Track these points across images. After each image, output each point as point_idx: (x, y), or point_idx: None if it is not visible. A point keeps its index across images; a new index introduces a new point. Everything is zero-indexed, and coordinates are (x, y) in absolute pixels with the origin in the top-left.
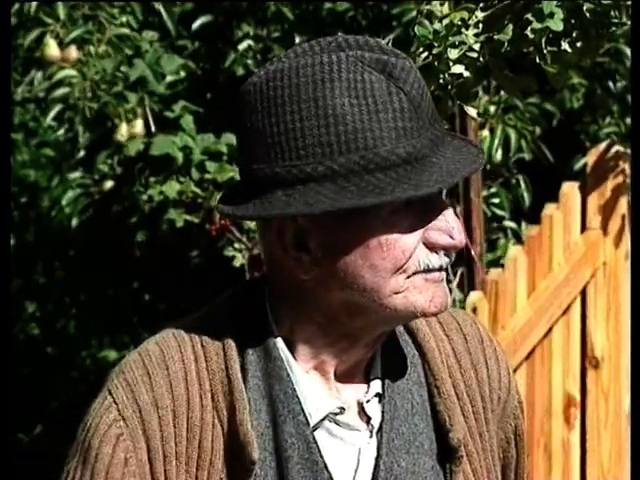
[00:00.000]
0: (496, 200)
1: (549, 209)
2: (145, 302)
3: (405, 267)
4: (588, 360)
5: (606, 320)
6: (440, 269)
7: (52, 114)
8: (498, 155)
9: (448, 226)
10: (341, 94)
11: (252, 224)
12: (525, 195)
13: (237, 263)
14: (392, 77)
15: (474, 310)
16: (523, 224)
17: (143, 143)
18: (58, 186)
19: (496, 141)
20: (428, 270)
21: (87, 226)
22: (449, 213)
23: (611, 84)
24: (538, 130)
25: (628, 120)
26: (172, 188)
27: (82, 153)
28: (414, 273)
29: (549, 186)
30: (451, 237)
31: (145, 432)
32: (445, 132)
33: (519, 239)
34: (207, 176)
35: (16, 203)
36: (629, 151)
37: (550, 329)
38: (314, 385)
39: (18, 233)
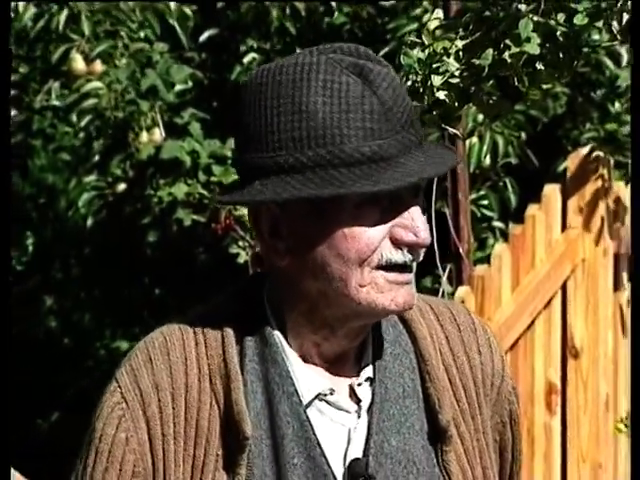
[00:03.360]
0: (485, 202)
1: (532, 209)
2: (155, 297)
3: (369, 260)
4: (568, 350)
5: (585, 313)
6: (404, 266)
7: (83, 124)
8: (487, 160)
9: (413, 224)
10: (316, 93)
11: None
12: (512, 197)
13: (241, 260)
14: (367, 80)
15: (462, 303)
16: (510, 224)
17: (154, 148)
18: (74, 188)
19: (485, 147)
20: (391, 266)
21: (101, 226)
22: (416, 212)
23: (592, 92)
24: (524, 135)
25: (607, 126)
26: (180, 190)
27: (97, 158)
28: (378, 267)
29: (534, 188)
30: (415, 235)
31: (145, 414)
32: (425, 139)
33: (507, 238)
34: (213, 179)
35: (35, 204)
36: (608, 155)
37: (533, 321)
38: (305, 368)
39: (37, 232)
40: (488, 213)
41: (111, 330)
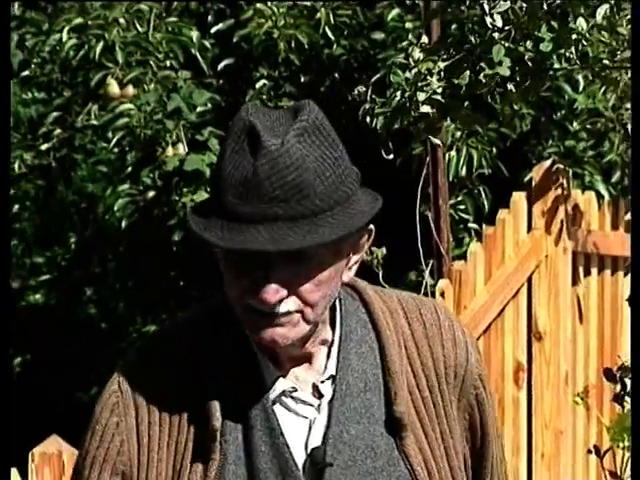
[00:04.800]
0: (462, 206)
1: (502, 213)
2: (180, 288)
3: (238, 300)
4: (533, 334)
5: (548, 302)
6: (263, 314)
7: (115, 140)
8: (463, 171)
9: (260, 284)
10: (228, 145)
11: None
12: (485, 202)
13: None
14: (255, 153)
15: (442, 294)
16: (484, 225)
17: (179, 161)
18: (111, 195)
19: (462, 159)
20: (253, 310)
21: (134, 227)
22: (263, 275)
23: (553, 114)
24: (495, 150)
25: (567, 143)
26: (201, 197)
27: (129, 169)
28: (246, 307)
29: (504, 194)
30: (260, 295)
31: (135, 402)
32: (293, 217)
33: (481, 238)
34: None
35: (77, 209)
36: (567, 167)
37: (503, 309)
38: (274, 368)
39: (79, 233)
40: (465, 216)
41: (142, 316)
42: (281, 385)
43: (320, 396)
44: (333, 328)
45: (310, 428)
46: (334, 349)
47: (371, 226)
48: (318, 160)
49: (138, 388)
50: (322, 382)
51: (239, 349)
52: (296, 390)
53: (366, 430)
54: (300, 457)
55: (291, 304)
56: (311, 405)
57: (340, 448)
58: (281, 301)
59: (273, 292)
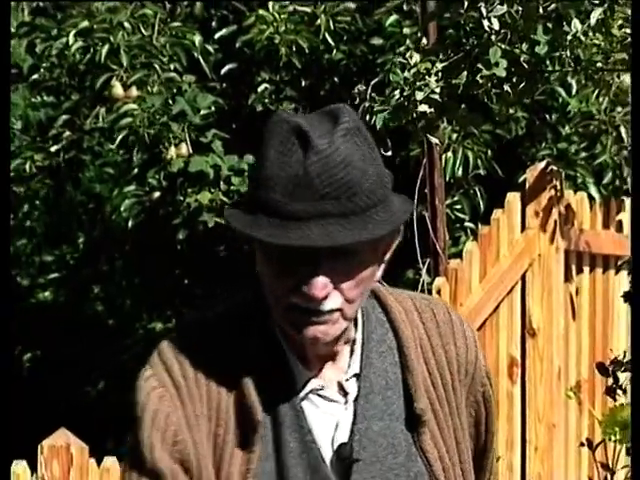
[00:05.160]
0: (458, 206)
1: (497, 213)
2: (184, 285)
3: (281, 299)
4: (527, 330)
5: (541, 299)
6: (308, 311)
7: (119, 139)
8: (460, 171)
9: (308, 280)
10: (273, 146)
11: None
12: (481, 202)
13: None
14: (305, 151)
15: (439, 292)
16: (479, 225)
17: (183, 162)
18: (117, 196)
19: (458, 161)
20: (297, 308)
21: (140, 227)
22: (311, 271)
23: (547, 117)
24: (490, 152)
25: (559, 145)
26: (205, 197)
27: (136, 171)
28: (290, 305)
29: (499, 195)
30: (307, 291)
31: (179, 396)
32: (344, 213)
33: (477, 237)
34: (232, 188)
35: (85, 209)
36: (560, 169)
37: (497, 306)
38: (302, 367)
39: (87, 233)
40: (461, 216)
41: (148, 313)
42: (310, 383)
43: (345, 394)
44: (355, 327)
45: (337, 425)
46: (357, 347)
47: (401, 226)
48: (362, 159)
49: (177, 381)
50: (347, 380)
51: (269, 346)
52: (323, 388)
53: (387, 427)
54: (327, 453)
55: (334, 301)
56: (337, 402)
57: (365, 444)
58: (326, 298)
59: (321, 287)
